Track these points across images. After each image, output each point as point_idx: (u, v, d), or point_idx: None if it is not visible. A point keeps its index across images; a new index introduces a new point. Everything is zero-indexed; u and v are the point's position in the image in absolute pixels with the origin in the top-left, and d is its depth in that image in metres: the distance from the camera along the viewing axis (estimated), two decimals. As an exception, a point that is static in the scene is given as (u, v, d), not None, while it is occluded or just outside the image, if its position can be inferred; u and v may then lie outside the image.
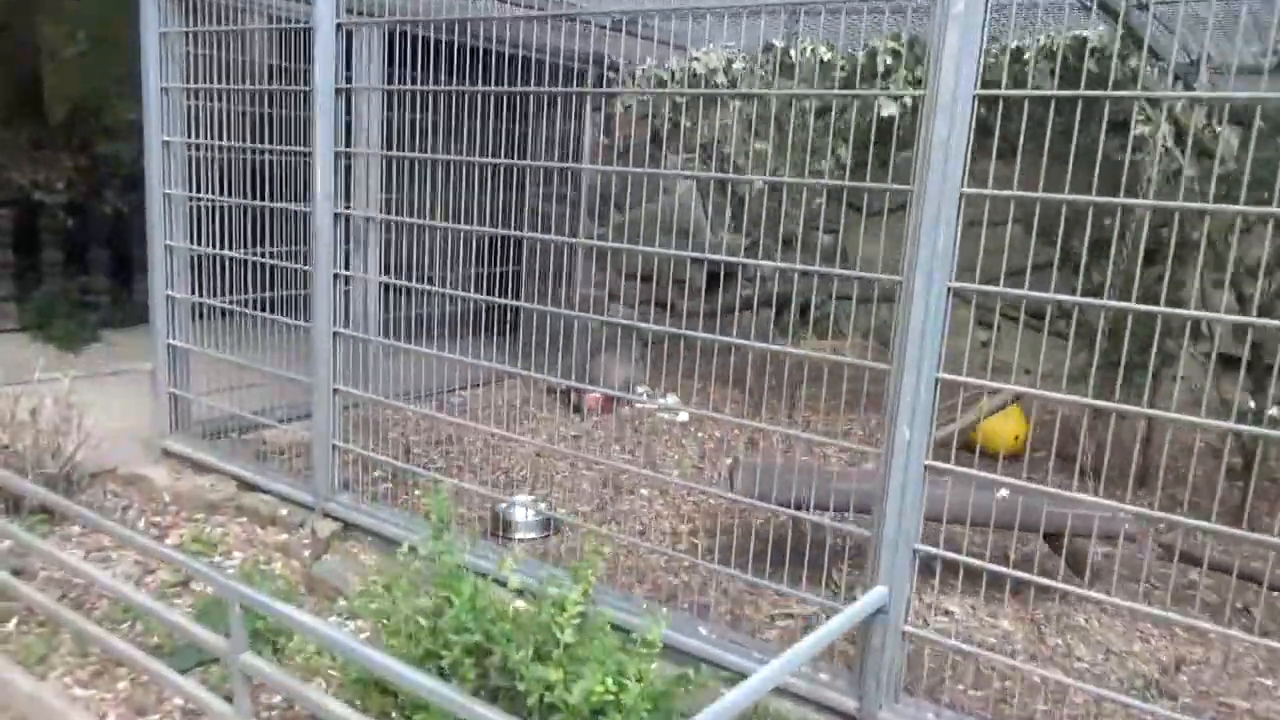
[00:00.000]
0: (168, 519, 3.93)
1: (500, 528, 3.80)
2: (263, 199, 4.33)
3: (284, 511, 3.90)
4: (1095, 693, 2.70)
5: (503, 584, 2.56)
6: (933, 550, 2.57)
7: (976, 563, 2.61)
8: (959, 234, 2.38)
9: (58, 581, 3.31)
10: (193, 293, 4.40)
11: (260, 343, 4.35)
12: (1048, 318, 5.46)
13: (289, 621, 2.23)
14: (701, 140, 5.97)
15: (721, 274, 7.90)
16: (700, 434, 5.41)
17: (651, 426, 5.50)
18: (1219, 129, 4.42)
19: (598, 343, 6.00)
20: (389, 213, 5.31)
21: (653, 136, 6.59)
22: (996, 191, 2.40)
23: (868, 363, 2.73)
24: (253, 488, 4.11)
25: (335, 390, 3.79)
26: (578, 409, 5.71)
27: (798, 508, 3.30)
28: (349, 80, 3.84)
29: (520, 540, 3.74)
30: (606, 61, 6.50)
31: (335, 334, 3.76)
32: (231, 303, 4.37)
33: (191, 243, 4.36)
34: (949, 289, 2.40)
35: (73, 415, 3.92)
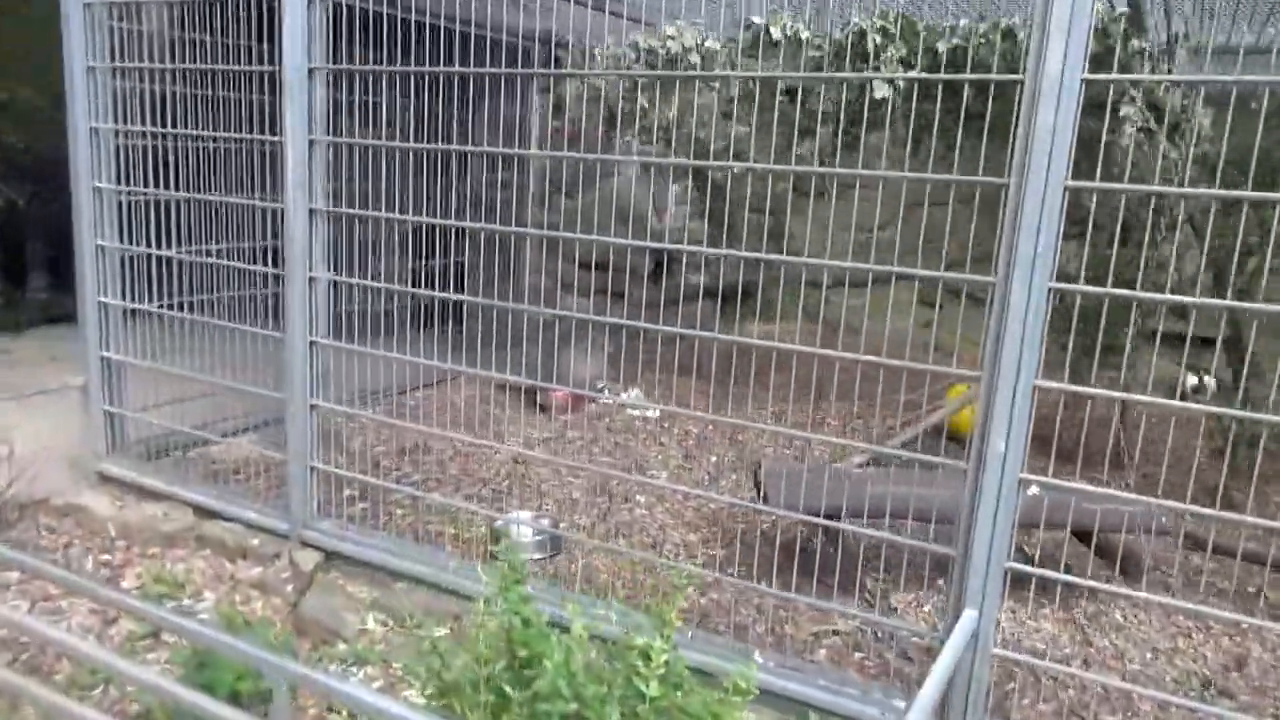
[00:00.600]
0: (118, 556, 3.48)
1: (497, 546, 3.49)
2: (202, 192, 3.88)
3: (255, 541, 3.50)
4: (1161, 698, 2.61)
5: (563, 628, 2.28)
6: (1029, 569, 2.42)
7: (1065, 577, 2.47)
8: (1061, 231, 2.21)
9: (2, 642, 2.86)
10: (127, 298, 3.92)
11: (204, 350, 3.92)
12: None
13: (357, 705, 1.89)
14: (662, 124, 5.72)
15: (666, 260, 7.68)
16: (675, 430, 5.19)
17: (624, 425, 5.24)
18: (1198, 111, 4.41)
19: (557, 337, 5.69)
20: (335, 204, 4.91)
21: (609, 119, 6.29)
22: (1104, 185, 2.23)
23: (956, 370, 2.54)
24: (213, 515, 3.68)
25: (313, 406, 3.41)
26: (543, 408, 5.41)
27: (832, 517, 3.13)
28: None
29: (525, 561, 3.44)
30: (555, 40, 6.18)
31: (312, 343, 3.36)
32: (171, 308, 3.91)
33: (124, 241, 3.87)
34: (1050, 290, 2.23)
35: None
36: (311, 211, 3.28)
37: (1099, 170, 2.96)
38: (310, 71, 3.17)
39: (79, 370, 4.25)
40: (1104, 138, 3.27)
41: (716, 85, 4.70)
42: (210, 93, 3.94)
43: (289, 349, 3.37)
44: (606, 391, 5.71)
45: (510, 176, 6.40)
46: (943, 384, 5.38)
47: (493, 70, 3.39)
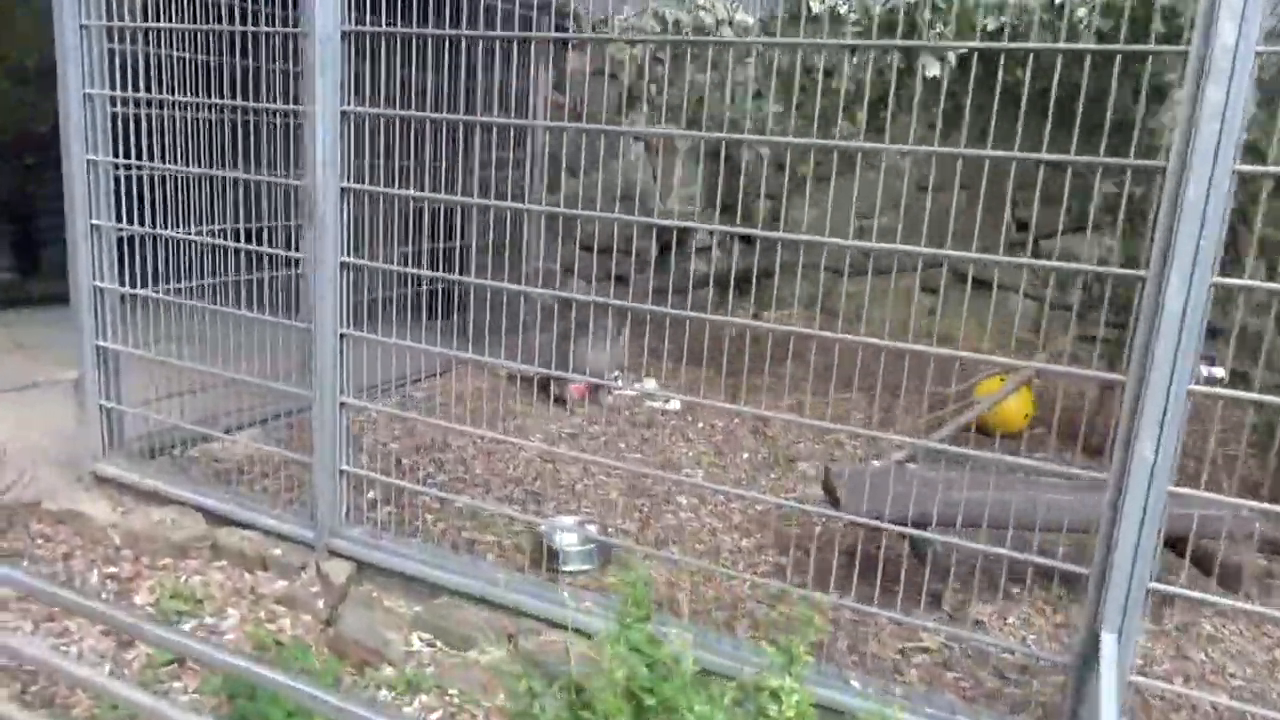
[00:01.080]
0: (126, 568, 3.16)
1: (547, 558, 3.23)
2: (207, 167, 3.55)
3: (276, 551, 3.20)
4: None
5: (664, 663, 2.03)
6: (1173, 590, 2.21)
7: (1214, 598, 2.27)
8: (1226, 216, 1.99)
9: (5, 671, 2.54)
10: (124, 283, 3.58)
11: (205, 339, 3.60)
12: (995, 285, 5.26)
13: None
14: (674, 101, 5.43)
15: (674, 242, 7.41)
16: (699, 424, 4.95)
17: (647, 418, 4.99)
18: None
19: (574, 324, 5.40)
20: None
21: (621, 95, 6.00)
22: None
23: (1100, 374, 2.33)
24: (226, 521, 3.37)
25: (342, 404, 3.11)
26: (559, 400, 5.14)
27: (922, 526, 2.91)
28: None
29: (573, 573, 3.18)
30: (565, 8, 5.87)
31: (342, 336, 3.06)
32: (170, 293, 3.58)
33: (121, 221, 3.53)
34: (1211, 286, 2.01)
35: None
36: (343, 190, 2.97)
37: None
38: (344, 35, 2.86)
39: (51, 359, 3.92)
40: None
41: (751, 57, 4.43)
42: (218, 59, 3.60)
43: (317, 342, 3.06)
44: (622, 382, 5.45)
45: (517, 156, 6.09)
46: (974, 376, 5.19)
47: (541, 35, 3.10)
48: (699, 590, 3.11)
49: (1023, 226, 7.76)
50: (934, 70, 3.99)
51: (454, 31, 2.90)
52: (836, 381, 5.39)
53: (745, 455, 4.54)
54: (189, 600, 2.94)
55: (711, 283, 7.84)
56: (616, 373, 5.57)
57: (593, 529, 3.38)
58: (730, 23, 4.42)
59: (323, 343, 3.06)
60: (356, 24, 2.89)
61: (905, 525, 2.87)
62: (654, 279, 7.04)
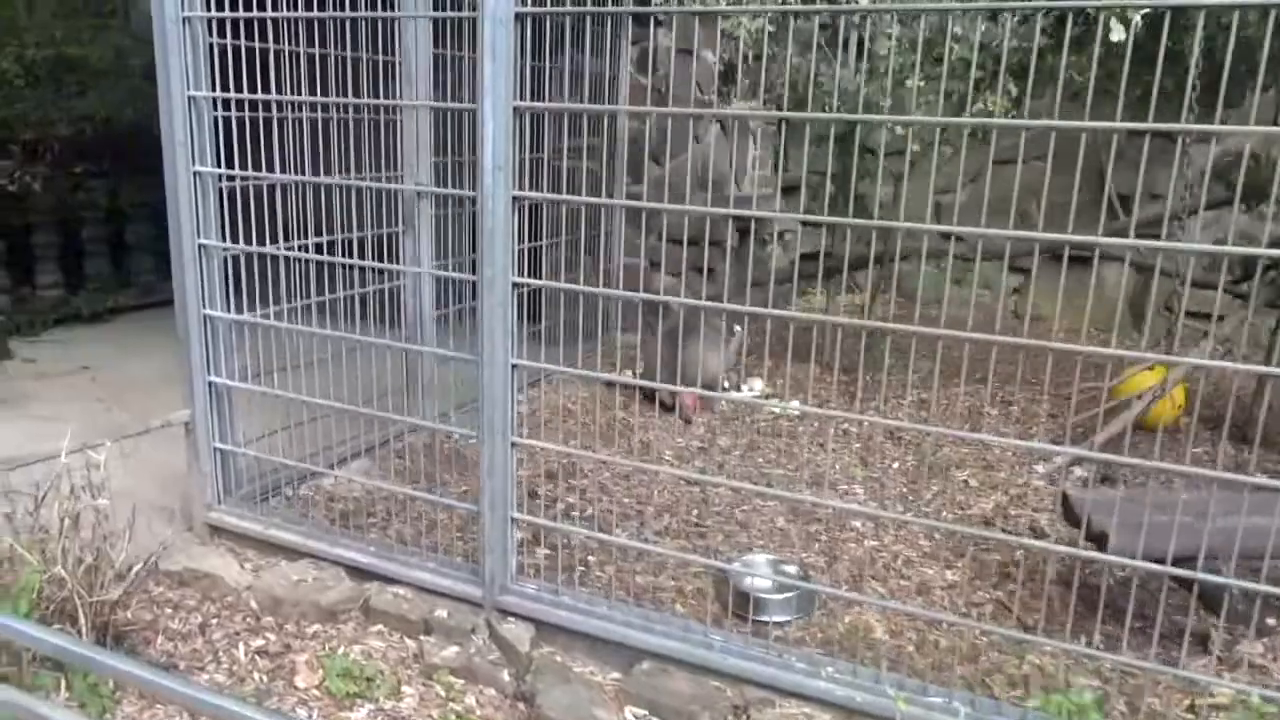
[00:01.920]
0: (273, 639, 2.77)
1: (740, 606, 2.85)
2: (319, 174, 3.16)
3: (440, 613, 2.81)
4: None
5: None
6: None
7: None
8: None
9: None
10: (234, 308, 3.18)
11: (314, 361, 3.22)
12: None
13: None
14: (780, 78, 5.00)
15: (752, 229, 6.99)
16: (831, 428, 4.56)
17: (770, 425, 4.60)
18: None
19: (673, 326, 4.99)
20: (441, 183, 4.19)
21: (724, 74, 5.58)
22: None
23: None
24: (370, 576, 2.99)
25: (514, 443, 2.72)
26: (669, 408, 4.75)
27: (1189, 561, 2.53)
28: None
29: (776, 624, 2.80)
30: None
31: (513, 366, 2.66)
32: (284, 315, 3.19)
33: (227, 239, 3.13)
34: None
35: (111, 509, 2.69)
36: (515, 199, 2.55)
37: None
38: (518, 18, 2.44)
39: (131, 387, 3.52)
40: None
41: (896, 27, 4.00)
42: (330, 52, 3.20)
43: (486, 374, 2.66)
44: (740, 386, 5.07)
45: (593, 143, 5.66)
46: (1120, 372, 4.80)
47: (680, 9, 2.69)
48: (926, 640, 2.74)
49: (1123, 200, 7.37)
50: (1118, 34, 3.58)
51: (639, 9, 2.49)
52: (950, 374, 5.01)
53: (894, 465, 4.16)
54: (358, 679, 2.56)
55: (796, 271, 7.40)
56: (727, 377, 5.19)
57: (791, 569, 2.99)
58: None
59: (493, 375, 2.66)
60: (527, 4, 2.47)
61: (1166, 561, 2.49)
62: (737, 270, 6.64)
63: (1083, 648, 2.47)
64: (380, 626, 2.84)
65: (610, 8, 2.49)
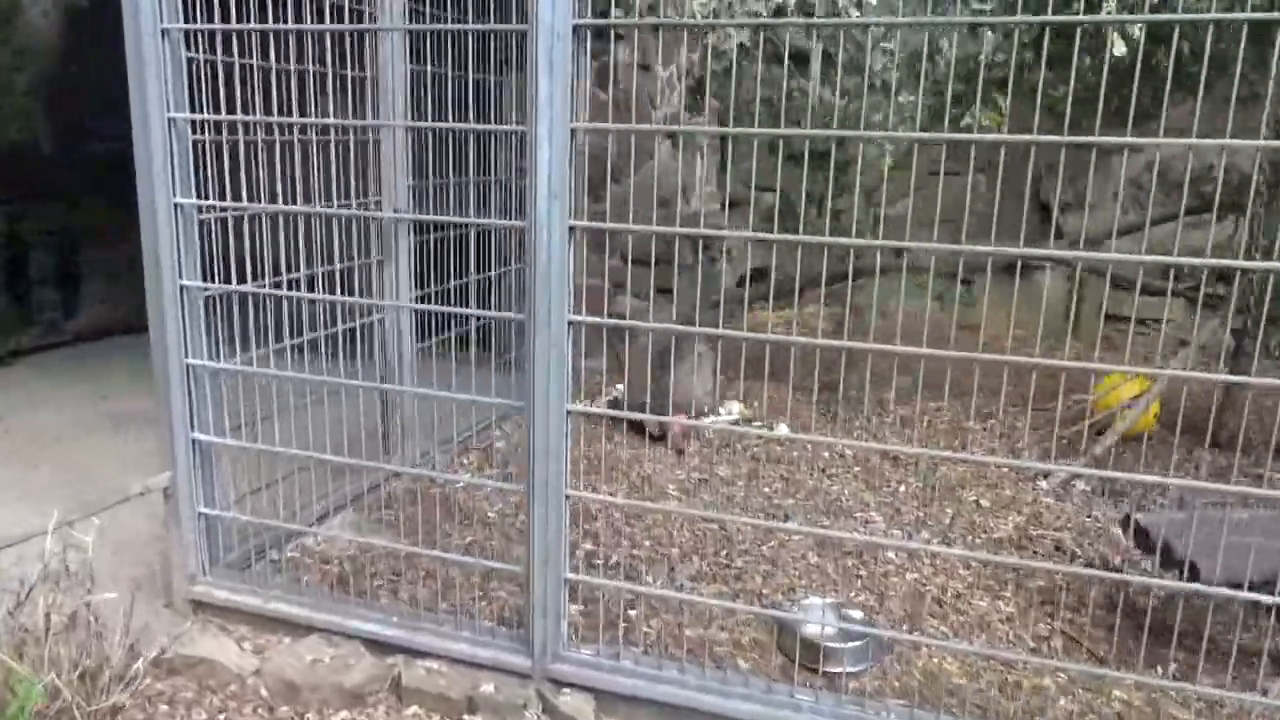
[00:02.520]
0: (296, 733, 2.44)
1: (807, 656, 2.66)
2: (299, 201, 2.86)
3: (486, 688, 2.52)
4: None
5: None
6: None
7: None
8: None
9: None
10: (216, 353, 2.82)
11: (294, 407, 2.92)
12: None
13: None
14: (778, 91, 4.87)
15: (700, 247, 6.84)
16: (825, 451, 4.43)
17: (764, 451, 4.45)
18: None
19: (661, 349, 4.80)
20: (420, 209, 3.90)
21: (693, 89, 5.42)
22: None
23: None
24: (395, 648, 2.68)
25: (567, 496, 2.46)
26: (657, 438, 4.54)
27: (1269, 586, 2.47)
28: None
29: (845, 675, 2.63)
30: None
31: (569, 412, 2.42)
32: (269, 360, 2.86)
33: (209, 277, 2.78)
34: None
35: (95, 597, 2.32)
36: (571, 229, 2.31)
37: None
38: (575, 30, 2.20)
39: (52, 443, 3.12)
40: None
41: (892, 41, 3.92)
42: (316, 68, 2.90)
43: (537, 422, 2.40)
44: (720, 410, 4.90)
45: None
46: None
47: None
48: (1006, 681, 2.61)
49: (1045, 208, 7.55)
50: (1120, 49, 3.57)
51: (705, 22, 2.29)
52: (930, 391, 4.98)
53: (901, 487, 4.06)
54: (409, 775, 2.27)
55: (748, 284, 7.28)
56: (711, 402, 5.02)
57: (857, 614, 2.83)
58: (859, 4, 3.90)
59: (543, 422, 2.40)
60: (580, 15, 2.24)
61: (1244, 585, 2.43)
62: (691, 290, 6.48)
63: (1169, 682, 2.38)
64: (416, 708, 2.54)
65: (674, 19, 2.28)
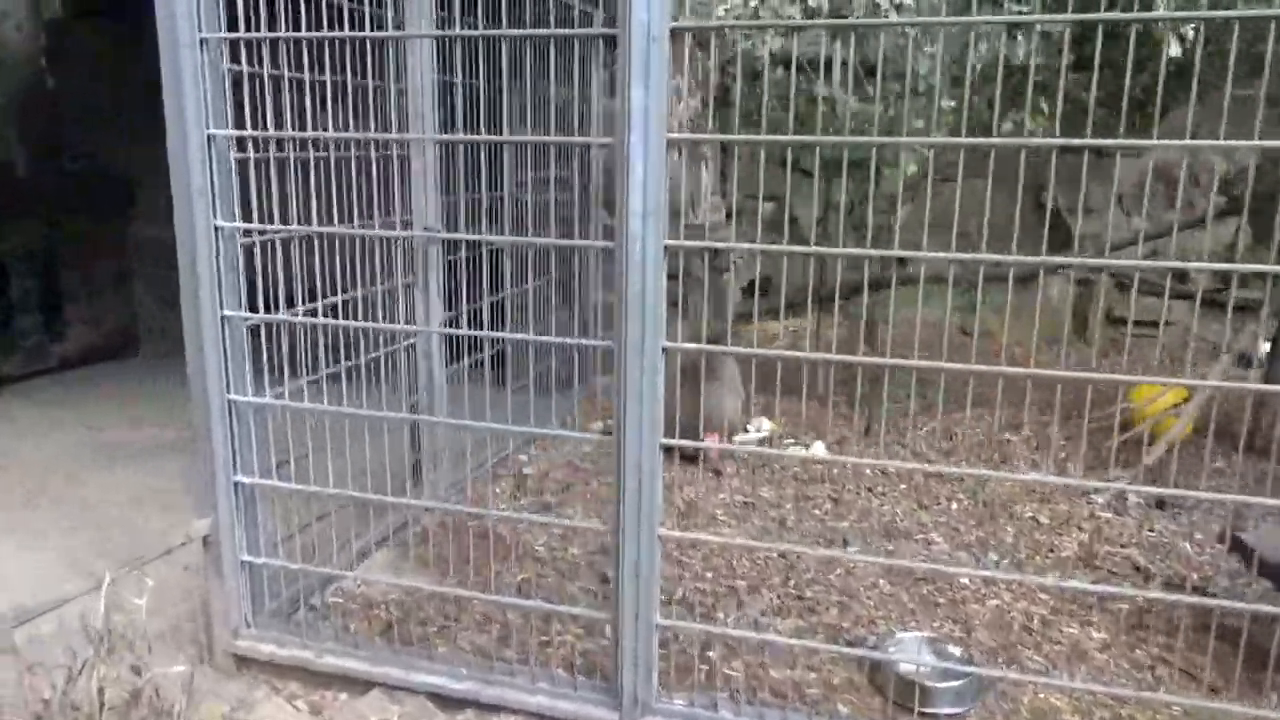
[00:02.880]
0: (371, 805, 2.23)
1: (903, 695, 2.50)
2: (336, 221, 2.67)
3: (574, 745, 2.34)
4: None
5: None
6: None
7: None
8: None
9: None
10: (259, 389, 2.61)
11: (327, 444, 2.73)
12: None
13: None
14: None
15: (706, 259, 6.69)
16: (867, 470, 4.28)
17: (804, 470, 4.29)
18: None
19: (692, 365, 4.62)
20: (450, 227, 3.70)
21: (721, 95, 5.26)
22: None
23: None
24: (463, 703, 2.48)
25: (661, 536, 2.28)
26: (692, 458, 4.37)
27: None
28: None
29: (944, 717, 2.47)
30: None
31: (664, 447, 2.24)
32: (306, 393, 2.65)
33: (248, 306, 2.56)
34: None
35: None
36: (666, 249, 2.14)
37: None
38: (673, 33, 2.03)
39: (50, 478, 2.90)
40: None
41: (936, 45, 3.79)
42: (355, 80, 2.70)
43: (628, 458, 2.22)
44: (752, 428, 4.74)
45: (563, 174, 5.23)
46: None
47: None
48: (1120, 717, 2.47)
49: (1056, 213, 7.49)
50: (1175, 50, 3.47)
51: (805, 23, 2.13)
52: (954, 402, 4.88)
53: (954, 505, 3.93)
54: None
55: (757, 299, 7.13)
56: (749, 420, 4.87)
57: (955, 650, 2.67)
58: (899, 6, 3.76)
59: (634, 457, 2.22)
60: (675, 17, 2.06)
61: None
62: (706, 300, 6.32)
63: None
64: (500, 771, 2.34)
65: (765, 21, 2.12)
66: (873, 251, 2.25)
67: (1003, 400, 5.26)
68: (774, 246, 2.32)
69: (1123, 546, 3.52)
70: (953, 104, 3.94)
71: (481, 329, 3.94)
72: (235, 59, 2.43)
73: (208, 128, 2.38)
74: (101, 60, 5.85)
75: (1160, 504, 3.91)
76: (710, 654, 2.72)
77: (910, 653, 2.65)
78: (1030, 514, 3.81)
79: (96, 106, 5.92)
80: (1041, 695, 2.56)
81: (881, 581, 3.20)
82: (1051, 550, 3.49)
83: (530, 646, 2.73)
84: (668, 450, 4.34)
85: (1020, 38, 3.85)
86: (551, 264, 4.89)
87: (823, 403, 5.20)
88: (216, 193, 2.42)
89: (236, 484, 2.58)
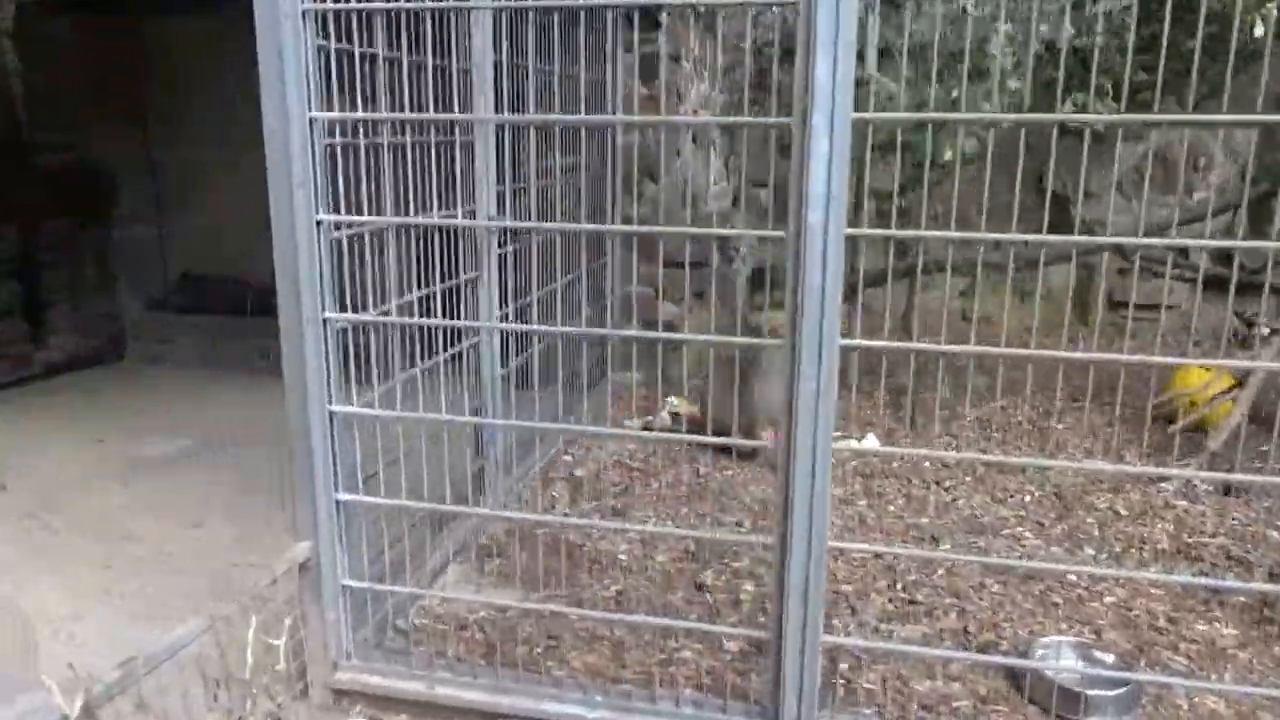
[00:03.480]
0: None
1: (1063, 706, 2.38)
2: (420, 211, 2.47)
3: (733, 776, 2.16)
4: None
5: None
6: None
7: None
8: None
9: None
10: (352, 393, 2.38)
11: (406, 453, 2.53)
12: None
13: None
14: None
15: (714, 247, 6.53)
16: (925, 463, 4.18)
17: (863, 464, 4.17)
18: None
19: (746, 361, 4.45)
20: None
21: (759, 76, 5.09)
22: None
23: None
24: (604, 735, 2.29)
25: (834, 550, 2.12)
26: (747, 455, 4.21)
27: None
28: None
29: (1106, 722, 2.36)
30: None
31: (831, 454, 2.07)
32: (399, 400, 2.44)
33: (345, 306, 2.33)
34: None
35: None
36: (847, 237, 1.97)
37: None
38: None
39: (58, 492, 2.67)
40: None
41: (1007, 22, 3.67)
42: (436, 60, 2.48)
43: (802, 465, 2.05)
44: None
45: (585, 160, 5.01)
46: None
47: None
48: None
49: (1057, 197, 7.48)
50: (1260, 30, 3.40)
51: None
52: (987, 390, 4.82)
53: (1026, 497, 3.83)
54: None
55: (768, 286, 7.01)
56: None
57: (1107, 658, 2.55)
58: (968, -14, 3.64)
59: (806, 465, 2.06)
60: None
61: None
62: (721, 291, 6.16)
63: None
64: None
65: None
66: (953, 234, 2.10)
67: (1034, 388, 5.21)
68: (927, 233, 2.16)
69: (1211, 536, 3.46)
70: (1016, 85, 3.83)
71: (531, 325, 3.74)
72: (327, 34, 2.20)
73: (310, 110, 2.14)
74: (78, 48, 5.47)
75: (1228, 490, 3.86)
76: (841, 665, 2.57)
77: (1062, 659, 2.53)
78: (1106, 504, 3.74)
79: (74, 97, 5.53)
80: (1196, 699, 2.46)
81: (988, 581, 3.08)
82: (1143, 542, 3.41)
83: (649, 665, 2.56)
84: (723, 448, 4.22)
85: (1092, 14, 3.76)
86: (583, 257, 4.68)
87: (863, 392, 5.09)
88: (318, 183, 2.19)
89: (339, 502, 2.35)
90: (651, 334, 4.13)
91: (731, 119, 3.67)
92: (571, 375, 4.25)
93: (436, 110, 2.68)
